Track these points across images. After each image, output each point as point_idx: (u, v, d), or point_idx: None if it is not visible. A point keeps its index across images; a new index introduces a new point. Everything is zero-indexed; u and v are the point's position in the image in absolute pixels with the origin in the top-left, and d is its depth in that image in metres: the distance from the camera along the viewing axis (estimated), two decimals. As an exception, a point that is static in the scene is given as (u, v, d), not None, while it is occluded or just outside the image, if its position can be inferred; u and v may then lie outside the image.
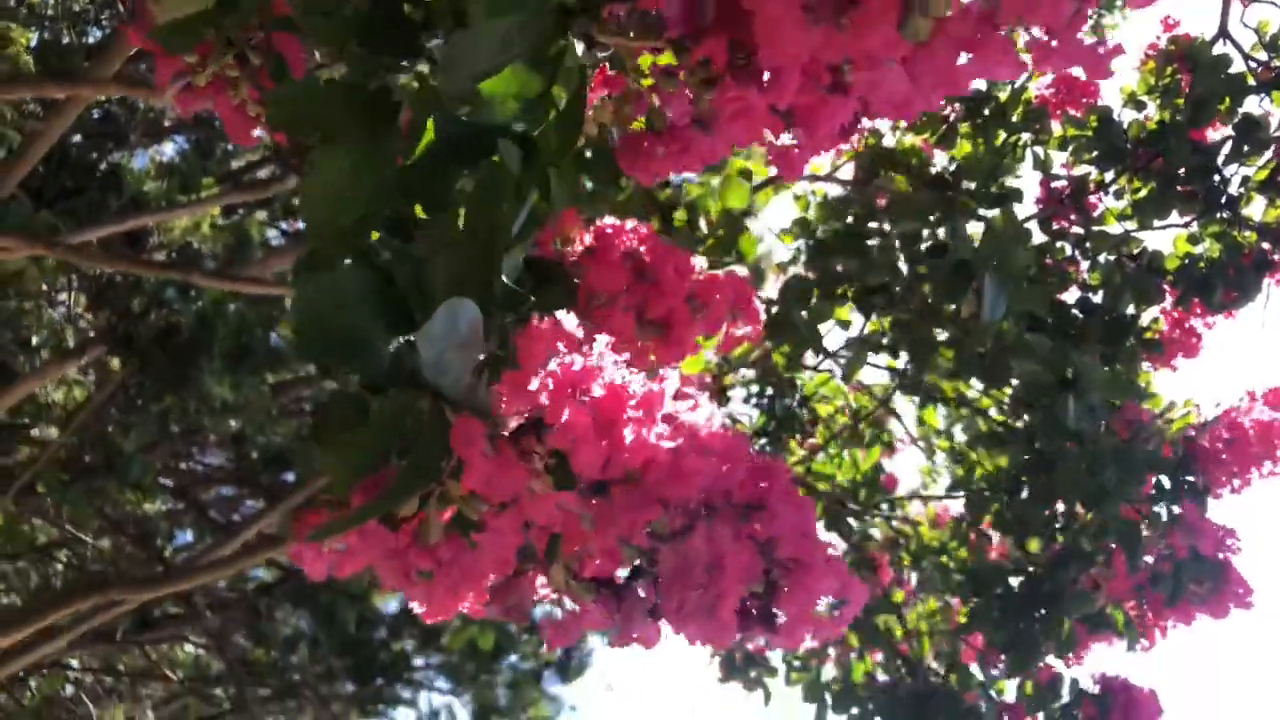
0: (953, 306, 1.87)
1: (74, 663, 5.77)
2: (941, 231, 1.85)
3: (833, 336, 2.75)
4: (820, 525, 2.89)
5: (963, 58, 0.54)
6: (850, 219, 2.04)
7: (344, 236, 0.76)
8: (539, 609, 0.81)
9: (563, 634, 0.75)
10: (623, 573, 0.76)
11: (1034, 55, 0.53)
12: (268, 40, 0.94)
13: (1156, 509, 2.29)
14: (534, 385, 0.65)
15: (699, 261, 1.29)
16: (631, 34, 0.71)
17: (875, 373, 2.84)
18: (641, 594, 0.74)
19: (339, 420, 0.69)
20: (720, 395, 3.20)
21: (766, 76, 0.59)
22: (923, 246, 1.86)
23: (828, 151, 1.90)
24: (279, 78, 0.84)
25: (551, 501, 0.65)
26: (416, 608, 0.71)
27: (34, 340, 3.93)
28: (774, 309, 2.02)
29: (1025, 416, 2.37)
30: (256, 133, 1.16)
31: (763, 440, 3.28)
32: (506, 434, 0.67)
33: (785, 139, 0.71)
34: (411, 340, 0.70)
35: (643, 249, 1.22)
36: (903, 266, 1.91)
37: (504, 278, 0.79)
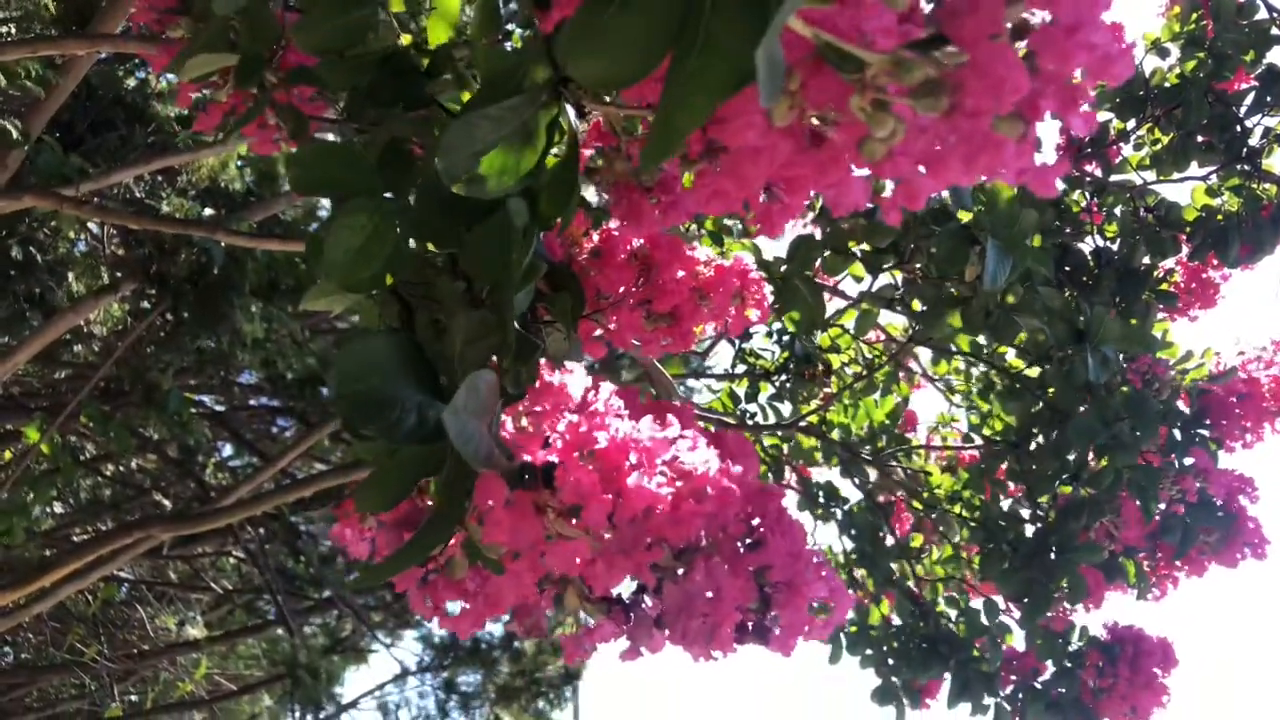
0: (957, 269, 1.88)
1: (125, 573, 6.04)
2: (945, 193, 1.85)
3: (845, 284, 2.78)
4: (835, 474, 2.98)
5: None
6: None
7: (365, 286, 0.81)
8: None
9: (578, 648, 0.82)
10: (630, 588, 0.84)
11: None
12: (291, 74, 0.97)
13: (1168, 460, 2.32)
14: (545, 444, 0.72)
15: (703, 252, 1.33)
16: (619, 103, 0.74)
17: (892, 315, 2.88)
18: (647, 608, 0.82)
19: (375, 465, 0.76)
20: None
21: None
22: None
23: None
24: (297, 136, 0.88)
25: (567, 549, 0.71)
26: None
27: (70, 276, 4.03)
28: (784, 268, 2.05)
29: (1040, 367, 2.39)
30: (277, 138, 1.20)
31: (783, 377, 3.33)
32: (523, 486, 0.73)
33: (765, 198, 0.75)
34: (433, 393, 0.76)
35: (648, 246, 1.27)
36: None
37: (515, 324, 0.84)
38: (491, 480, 0.63)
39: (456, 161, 0.68)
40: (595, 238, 1.22)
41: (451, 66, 0.86)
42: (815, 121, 0.61)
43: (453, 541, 0.72)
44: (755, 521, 0.83)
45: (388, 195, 0.77)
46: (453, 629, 0.71)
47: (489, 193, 0.72)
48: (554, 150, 0.77)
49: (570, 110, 0.76)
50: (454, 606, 0.83)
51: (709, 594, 0.75)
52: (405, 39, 0.86)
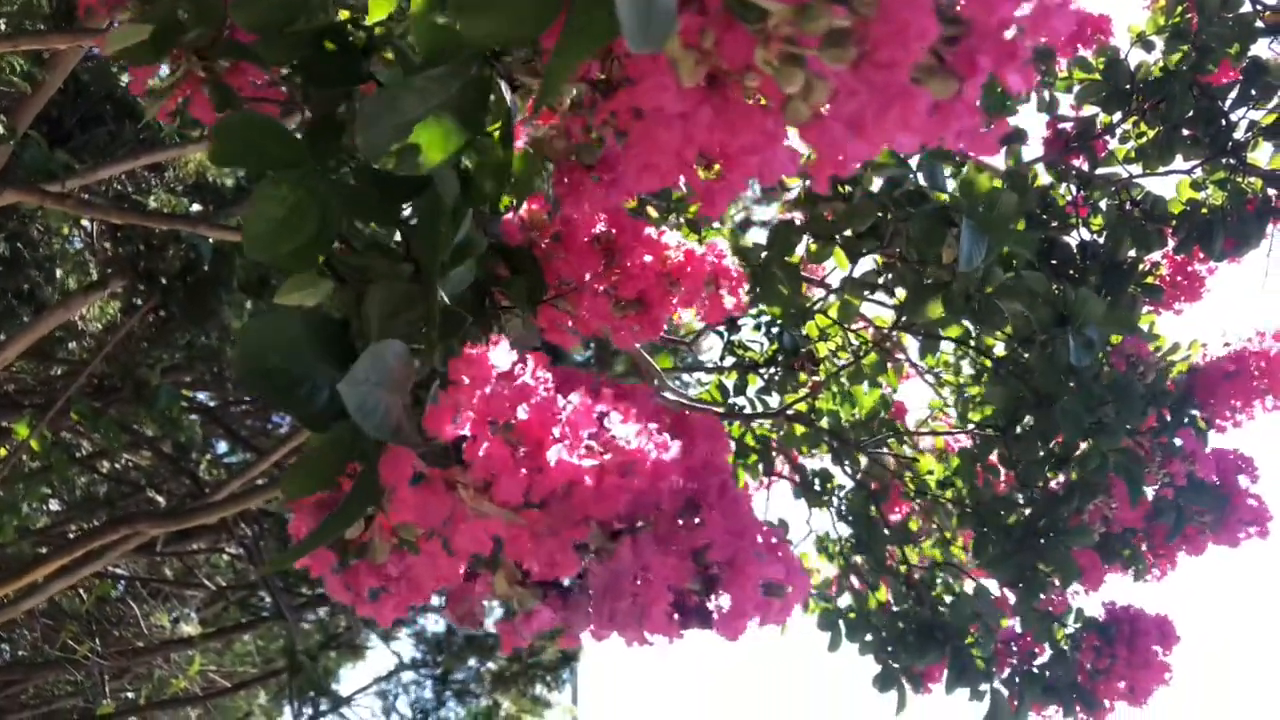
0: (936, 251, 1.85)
1: (120, 570, 6.03)
2: (921, 177, 1.83)
3: (834, 276, 2.76)
4: (827, 461, 2.95)
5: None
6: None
7: (289, 261, 0.79)
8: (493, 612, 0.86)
9: (514, 636, 0.79)
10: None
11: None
12: (225, 48, 0.96)
13: (1157, 441, 2.29)
14: (456, 418, 0.69)
15: (672, 237, 1.30)
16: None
17: (879, 308, 2.86)
18: (586, 593, 0.79)
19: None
20: (730, 324, 3.23)
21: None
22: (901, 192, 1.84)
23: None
24: (224, 107, 0.87)
25: (474, 529, 0.69)
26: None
27: (58, 273, 4.02)
28: (764, 255, 2.02)
29: (1025, 354, 2.37)
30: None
31: (772, 370, 3.31)
32: (435, 462, 0.70)
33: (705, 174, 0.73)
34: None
35: (612, 231, 1.25)
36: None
37: (445, 299, 0.82)
38: (397, 456, 0.61)
39: (377, 135, 0.67)
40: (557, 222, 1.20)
41: (391, 43, 0.84)
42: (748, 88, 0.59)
43: (377, 523, 0.70)
44: (697, 499, 0.80)
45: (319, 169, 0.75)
46: (373, 615, 0.68)
47: (418, 168, 0.70)
48: (490, 126, 0.75)
49: (503, 84, 0.74)
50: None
51: (636, 575, 0.72)
52: (343, 14, 0.85)
